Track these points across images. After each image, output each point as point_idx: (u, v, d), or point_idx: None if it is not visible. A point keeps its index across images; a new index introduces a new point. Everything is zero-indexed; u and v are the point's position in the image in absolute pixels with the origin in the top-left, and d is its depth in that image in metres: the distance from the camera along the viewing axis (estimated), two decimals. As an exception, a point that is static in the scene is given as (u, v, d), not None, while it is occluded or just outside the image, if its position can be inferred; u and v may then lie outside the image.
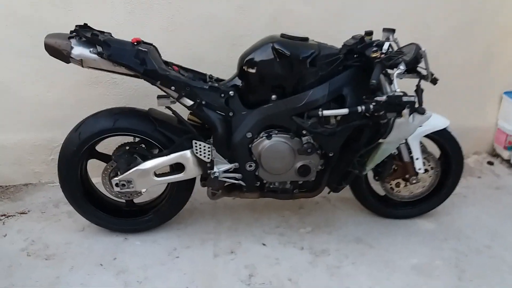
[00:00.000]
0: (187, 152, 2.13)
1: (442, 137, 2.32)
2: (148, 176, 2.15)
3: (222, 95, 2.06)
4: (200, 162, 2.15)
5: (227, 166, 2.14)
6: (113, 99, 2.76)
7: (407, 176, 2.28)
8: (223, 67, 2.51)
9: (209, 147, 2.10)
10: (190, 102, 2.04)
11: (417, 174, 2.27)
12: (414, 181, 2.29)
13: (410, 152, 2.24)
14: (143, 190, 2.21)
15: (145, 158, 2.15)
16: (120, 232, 2.36)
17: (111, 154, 2.23)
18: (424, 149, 2.31)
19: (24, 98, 2.70)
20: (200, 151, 2.10)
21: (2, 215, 2.54)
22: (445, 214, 2.58)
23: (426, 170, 2.33)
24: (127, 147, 2.17)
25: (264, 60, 2.00)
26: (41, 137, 2.82)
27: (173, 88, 2.00)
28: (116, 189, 2.17)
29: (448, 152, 2.36)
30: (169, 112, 2.12)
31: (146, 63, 1.94)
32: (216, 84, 2.09)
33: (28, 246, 2.27)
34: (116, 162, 2.13)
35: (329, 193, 2.33)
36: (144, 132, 2.13)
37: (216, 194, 2.26)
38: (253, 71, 2.01)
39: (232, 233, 2.41)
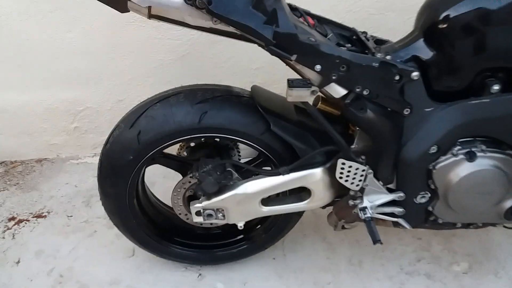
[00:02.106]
0: (318, 172, 1.24)
1: None
2: (251, 205, 1.29)
3: (397, 77, 1.11)
4: (335, 187, 1.28)
5: (386, 197, 1.27)
6: (167, 47, 1.79)
7: None
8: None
9: (363, 170, 1.20)
10: (341, 92, 1.11)
11: None
12: None
13: None
14: (240, 224, 1.36)
15: (244, 174, 1.29)
16: (191, 263, 1.56)
17: (179, 154, 1.36)
18: None
19: (33, 41, 1.72)
20: (348, 176, 1.21)
21: (10, 219, 1.73)
22: None
23: None
24: (216, 157, 1.30)
25: (496, 11, 1.03)
26: (58, 97, 1.92)
27: (318, 67, 1.05)
28: (197, 219, 1.32)
29: None
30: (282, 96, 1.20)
31: (276, 21, 0.97)
32: (388, 57, 1.12)
33: (55, 286, 1.48)
34: (200, 181, 1.25)
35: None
36: (249, 136, 1.22)
37: (339, 223, 1.42)
38: (464, 31, 1.07)
39: (356, 270, 1.62)
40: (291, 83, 1.06)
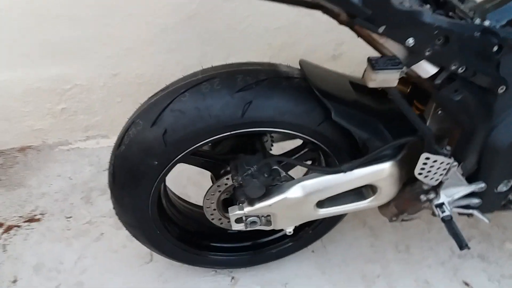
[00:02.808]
0: (387, 167, 1.01)
1: None
2: (305, 208, 1.06)
3: (497, 48, 0.87)
4: (402, 179, 1.07)
5: (465, 190, 1.06)
6: (170, 8, 1.47)
7: None
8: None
9: (447, 164, 0.98)
10: (430, 71, 0.85)
11: None
12: None
13: None
14: (289, 230, 1.13)
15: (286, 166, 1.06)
16: (221, 266, 1.35)
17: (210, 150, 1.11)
18: None
19: (7, 6, 1.37)
20: (430, 171, 0.99)
21: (-3, 225, 1.45)
22: None
23: None
24: (248, 148, 1.05)
25: None
26: (41, 75, 1.60)
27: (411, 41, 0.78)
28: (238, 226, 1.09)
29: None
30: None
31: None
32: (487, 23, 0.86)
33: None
34: (244, 185, 1.00)
35: None
36: (304, 128, 0.97)
37: (400, 216, 1.22)
38: None
39: (405, 257, 1.45)
40: (375, 64, 0.79)
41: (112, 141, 1.01)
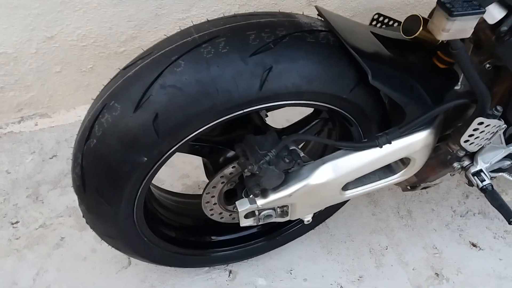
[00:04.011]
0: (423, 136, 0.85)
1: None
2: (329, 193, 0.88)
3: None
4: (432, 149, 0.92)
5: (502, 153, 0.93)
6: None
7: None
8: None
9: (497, 127, 0.83)
10: (497, 16, 0.67)
11: None
12: None
13: None
14: (307, 219, 0.95)
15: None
16: (226, 262, 1.16)
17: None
18: None
19: None
20: (477, 137, 0.83)
21: None
22: None
23: None
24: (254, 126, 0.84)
25: None
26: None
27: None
28: (247, 222, 0.88)
29: None
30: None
31: None
32: None
33: None
34: (262, 174, 0.78)
35: None
36: (335, 98, 0.76)
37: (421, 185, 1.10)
38: None
39: (408, 223, 1.34)
40: (452, 9, 0.58)
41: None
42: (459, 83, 0.86)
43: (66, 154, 1.38)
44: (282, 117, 1.36)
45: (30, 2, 1.20)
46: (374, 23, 1.02)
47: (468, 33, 0.62)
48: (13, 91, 1.37)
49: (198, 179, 1.35)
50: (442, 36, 0.61)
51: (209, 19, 0.74)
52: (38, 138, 1.41)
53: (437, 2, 0.60)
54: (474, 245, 1.31)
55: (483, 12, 0.60)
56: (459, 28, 0.60)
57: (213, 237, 1.05)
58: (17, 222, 1.20)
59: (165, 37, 0.73)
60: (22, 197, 1.26)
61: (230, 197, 0.93)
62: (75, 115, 1.46)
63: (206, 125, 0.70)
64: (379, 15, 1.01)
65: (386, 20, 1.02)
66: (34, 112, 1.44)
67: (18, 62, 1.30)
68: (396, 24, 1.02)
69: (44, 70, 1.35)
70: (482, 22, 0.69)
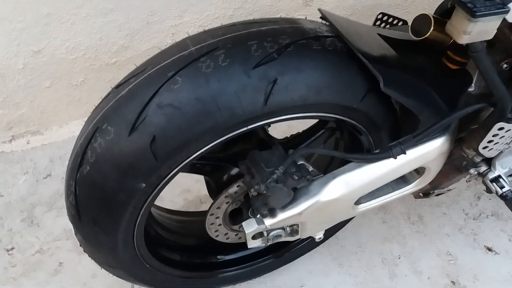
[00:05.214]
0: (439, 144, 0.80)
1: None
2: (342, 208, 0.82)
3: None
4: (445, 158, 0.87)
5: (523, 157, 0.88)
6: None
7: None
8: None
9: (516, 132, 0.78)
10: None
11: None
12: None
13: None
14: (319, 236, 0.89)
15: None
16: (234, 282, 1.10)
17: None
18: None
19: None
20: (497, 143, 0.78)
21: None
22: None
23: None
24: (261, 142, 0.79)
25: None
26: None
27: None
28: (254, 243, 0.83)
29: None
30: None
31: None
32: None
33: None
34: (269, 194, 0.73)
35: None
36: (345, 108, 0.70)
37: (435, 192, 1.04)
38: None
39: (420, 229, 1.29)
40: (475, 9, 0.52)
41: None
42: (473, 85, 0.81)
43: (61, 173, 1.32)
44: (283, 123, 1.31)
45: (14, 15, 1.14)
46: (378, 23, 0.97)
47: (490, 35, 0.57)
48: (2, 109, 1.31)
49: (199, 193, 1.29)
50: (463, 40, 0.56)
51: (205, 29, 0.68)
52: (31, 157, 1.35)
53: (457, 2, 0.55)
54: (489, 249, 1.25)
55: (507, 11, 0.55)
56: (481, 29, 0.55)
57: (219, 257, 0.99)
58: (12, 248, 1.15)
59: (159, 50, 0.68)
60: (17, 221, 1.20)
61: (235, 216, 0.87)
62: (69, 131, 1.40)
63: (208, 145, 0.65)
64: (383, 14, 0.95)
65: (390, 20, 0.97)
66: (25, 130, 1.38)
67: (6, 79, 1.24)
68: (401, 23, 0.96)
69: (33, 85, 1.29)
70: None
